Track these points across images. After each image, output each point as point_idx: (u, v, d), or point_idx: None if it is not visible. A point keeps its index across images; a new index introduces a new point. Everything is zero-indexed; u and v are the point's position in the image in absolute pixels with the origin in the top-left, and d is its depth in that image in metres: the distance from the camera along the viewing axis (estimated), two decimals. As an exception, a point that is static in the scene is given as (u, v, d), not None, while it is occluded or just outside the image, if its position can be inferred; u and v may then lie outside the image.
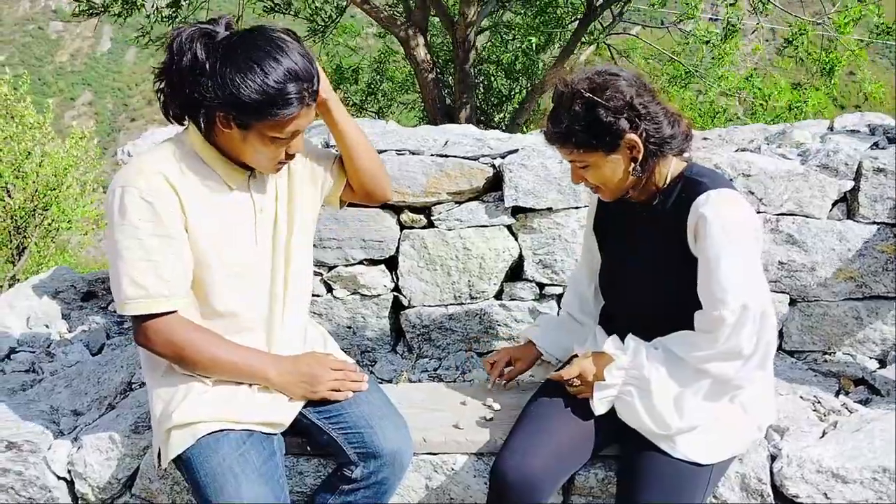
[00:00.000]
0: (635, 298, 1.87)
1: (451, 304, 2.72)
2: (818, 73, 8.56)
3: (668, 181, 1.78)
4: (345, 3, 8.09)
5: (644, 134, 1.69)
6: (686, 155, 1.82)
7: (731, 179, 2.44)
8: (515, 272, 2.72)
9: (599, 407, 1.79)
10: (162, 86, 1.65)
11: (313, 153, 1.94)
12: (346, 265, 2.68)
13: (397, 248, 2.67)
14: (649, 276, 1.82)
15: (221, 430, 1.69)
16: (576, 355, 1.94)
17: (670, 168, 1.78)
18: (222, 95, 1.56)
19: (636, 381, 1.75)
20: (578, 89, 1.69)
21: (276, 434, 1.79)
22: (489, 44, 10.54)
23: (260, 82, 1.55)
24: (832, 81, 8.66)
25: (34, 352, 2.69)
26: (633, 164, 1.73)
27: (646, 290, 1.84)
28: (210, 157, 1.71)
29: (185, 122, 1.70)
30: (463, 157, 2.59)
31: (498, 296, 2.73)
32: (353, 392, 1.84)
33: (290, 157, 1.71)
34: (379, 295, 2.72)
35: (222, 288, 1.74)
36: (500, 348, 2.11)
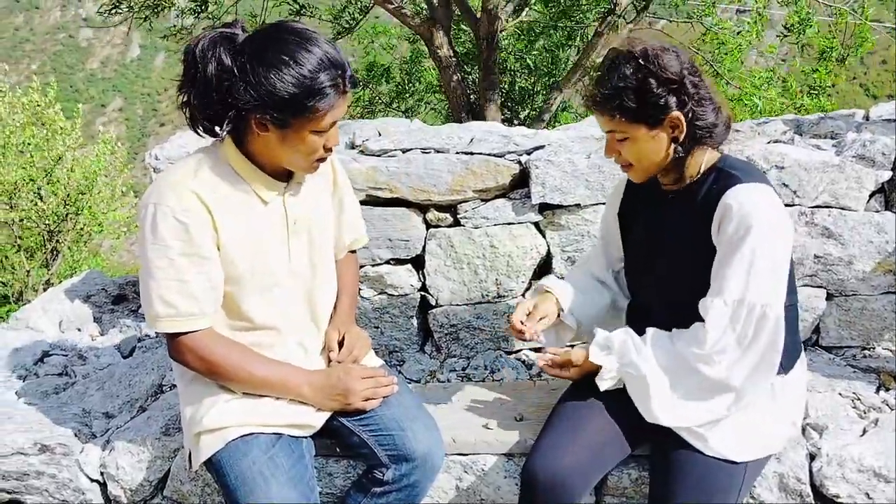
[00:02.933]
0: (664, 289, 1.83)
1: (478, 303, 2.69)
2: (829, 59, 8.33)
3: (701, 171, 1.75)
4: (370, 4, 8.10)
5: (690, 114, 1.66)
6: (722, 147, 1.78)
7: (764, 173, 2.39)
8: (544, 270, 2.69)
9: (603, 384, 1.79)
10: (187, 99, 1.63)
11: (347, 202, 1.99)
12: (373, 265, 2.67)
13: (424, 247, 2.66)
14: (677, 268, 1.79)
15: (251, 434, 1.69)
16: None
17: (705, 158, 1.74)
18: (258, 96, 1.53)
19: (630, 368, 1.74)
20: (633, 54, 1.66)
21: (305, 437, 1.78)
22: (513, 41, 10.49)
23: (295, 74, 1.52)
24: (841, 66, 8.42)
25: (67, 355, 2.73)
26: (672, 144, 1.69)
27: (674, 282, 1.80)
28: (244, 170, 1.69)
29: (218, 134, 1.66)
30: (489, 155, 2.57)
31: (526, 294, 2.70)
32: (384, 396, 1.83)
33: (328, 150, 1.67)
34: (406, 294, 2.70)
35: (256, 302, 1.74)
36: (518, 305, 1.93)
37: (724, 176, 1.71)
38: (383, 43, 11.17)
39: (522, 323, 1.88)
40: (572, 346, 1.98)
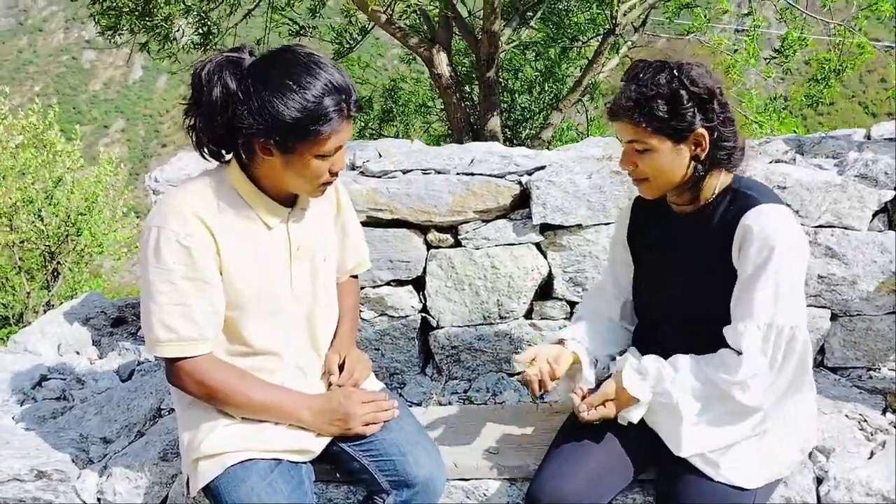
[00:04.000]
0: (675, 310, 1.80)
1: (480, 325, 2.67)
2: (825, 75, 8.35)
3: (715, 193, 1.73)
4: (369, 25, 8.15)
5: (715, 133, 1.64)
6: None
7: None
8: (545, 290, 2.67)
9: (635, 416, 1.72)
10: (193, 122, 1.62)
11: (350, 227, 1.98)
12: (374, 286, 2.66)
13: (424, 268, 2.64)
14: (691, 288, 1.76)
15: (250, 460, 1.67)
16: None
17: (719, 180, 1.72)
18: (262, 120, 1.53)
19: (662, 397, 1.69)
20: (668, 64, 1.64)
21: (305, 462, 1.76)
22: (512, 60, 10.55)
23: (299, 99, 1.52)
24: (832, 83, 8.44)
25: (65, 379, 2.70)
26: (693, 163, 1.68)
27: (686, 303, 1.77)
28: (248, 194, 1.68)
29: (224, 157, 1.67)
30: (489, 175, 2.56)
31: (528, 315, 2.68)
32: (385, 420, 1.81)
33: (333, 174, 1.66)
34: (407, 316, 2.68)
35: (257, 327, 1.72)
36: (530, 351, 1.82)
37: (740, 197, 1.69)
38: (377, 64, 11.24)
39: (540, 381, 1.76)
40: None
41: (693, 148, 1.66)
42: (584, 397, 1.76)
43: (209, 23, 6.86)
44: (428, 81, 10.12)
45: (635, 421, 1.73)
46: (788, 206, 1.72)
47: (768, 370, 1.62)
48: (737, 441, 1.67)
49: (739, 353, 1.63)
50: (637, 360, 1.76)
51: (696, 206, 1.75)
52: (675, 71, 1.63)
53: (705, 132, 1.64)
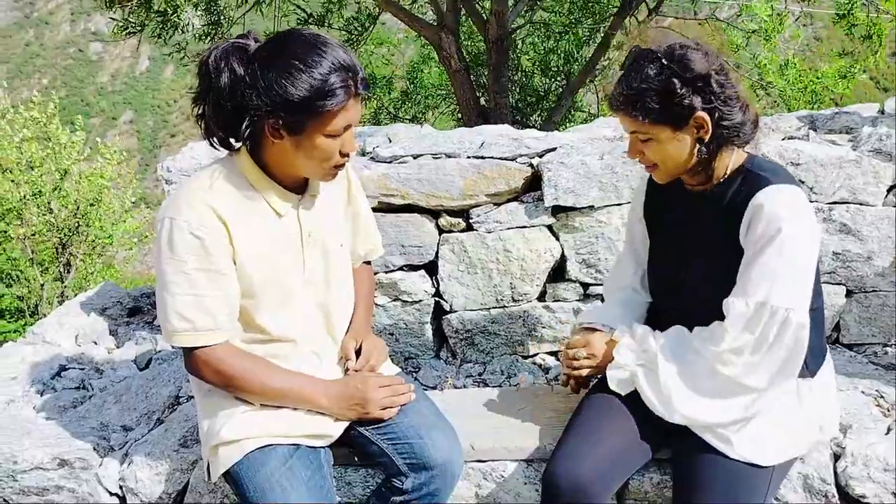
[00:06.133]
0: (689, 290, 1.81)
1: (493, 308, 2.68)
2: (863, 40, 8.23)
3: (728, 172, 1.72)
4: (377, 11, 8.10)
5: (717, 114, 1.63)
6: (749, 146, 1.74)
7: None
8: (558, 273, 2.67)
9: (616, 386, 1.79)
10: (202, 110, 1.63)
11: (362, 215, 2.00)
12: (386, 272, 2.66)
13: (437, 252, 2.65)
14: (705, 268, 1.76)
15: (269, 445, 1.69)
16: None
17: (732, 158, 1.71)
18: (270, 101, 1.53)
19: (646, 361, 1.74)
20: (657, 54, 1.63)
21: (323, 447, 1.77)
22: (523, 42, 10.47)
23: (306, 77, 1.52)
24: (878, 50, 8.32)
25: (83, 369, 2.73)
26: (698, 145, 1.67)
27: (700, 283, 1.77)
28: (259, 181, 1.69)
29: (233, 146, 1.68)
30: (500, 158, 2.56)
31: (541, 297, 2.68)
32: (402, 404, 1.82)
33: (344, 155, 1.66)
34: (420, 301, 2.69)
35: (272, 314, 1.73)
36: (575, 342, 1.91)
37: (752, 177, 1.68)
38: (387, 51, 11.17)
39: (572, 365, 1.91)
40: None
41: (696, 131, 1.65)
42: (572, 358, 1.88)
43: (217, 10, 6.83)
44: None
45: (614, 383, 1.79)
46: (802, 182, 1.72)
47: (753, 348, 1.61)
48: (732, 421, 1.66)
49: (726, 330, 1.65)
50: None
51: (710, 185, 1.74)
52: (664, 60, 1.61)
53: (705, 115, 1.63)
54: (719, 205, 1.71)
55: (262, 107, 1.54)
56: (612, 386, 1.79)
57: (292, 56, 1.54)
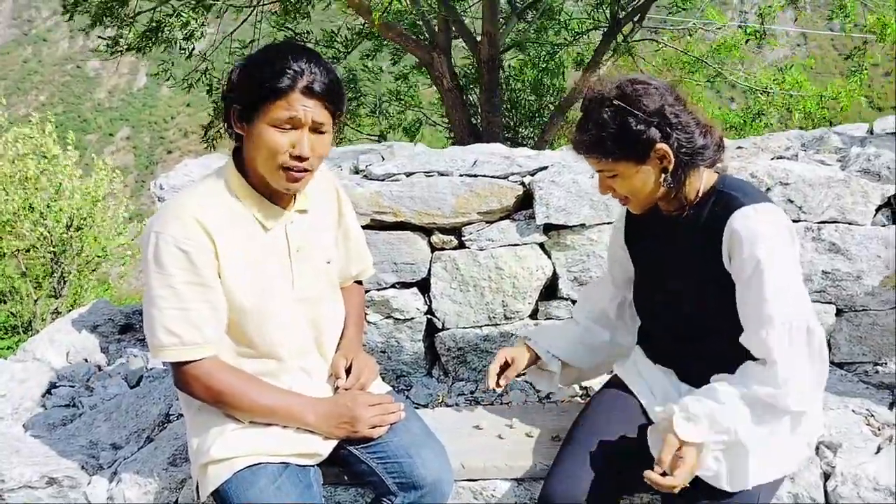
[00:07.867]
0: (673, 313, 1.82)
1: (485, 326, 2.68)
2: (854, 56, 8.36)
3: (699, 194, 1.74)
4: (366, 30, 8.16)
5: (675, 144, 1.65)
6: (719, 166, 1.77)
7: (767, 190, 2.38)
8: (550, 290, 2.68)
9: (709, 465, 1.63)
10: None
11: (353, 236, 2.01)
12: (379, 289, 2.67)
13: (429, 270, 2.65)
14: (684, 291, 1.77)
15: (258, 464, 1.68)
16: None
17: (702, 181, 1.73)
18: (230, 90, 1.65)
19: (724, 435, 1.60)
20: (607, 97, 1.65)
21: (313, 465, 1.77)
22: (514, 61, 10.54)
23: (259, 65, 1.62)
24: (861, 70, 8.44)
25: (74, 386, 2.72)
26: (663, 175, 1.69)
27: (682, 305, 1.79)
28: (245, 196, 1.71)
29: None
30: (492, 177, 2.57)
31: (533, 315, 2.69)
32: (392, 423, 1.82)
33: (295, 158, 1.62)
34: (412, 318, 2.69)
35: (259, 329, 1.73)
36: (499, 351, 2.08)
37: (724, 197, 1.70)
38: (369, 74, 11.03)
39: (498, 380, 2.03)
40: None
41: (659, 162, 1.68)
42: (663, 474, 1.58)
43: (194, 24, 6.84)
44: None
45: (709, 475, 1.62)
46: (791, 202, 1.73)
47: (802, 370, 1.60)
48: (804, 458, 1.68)
49: (758, 361, 1.63)
50: (673, 403, 1.67)
51: (685, 209, 1.76)
52: (616, 101, 1.64)
53: (665, 146, 1.65)
54: (695, 227, 1.73)
55: (228, 96, 1.66)
56: (710, 472, 1.64)
57: (260, 53, 1.67)
